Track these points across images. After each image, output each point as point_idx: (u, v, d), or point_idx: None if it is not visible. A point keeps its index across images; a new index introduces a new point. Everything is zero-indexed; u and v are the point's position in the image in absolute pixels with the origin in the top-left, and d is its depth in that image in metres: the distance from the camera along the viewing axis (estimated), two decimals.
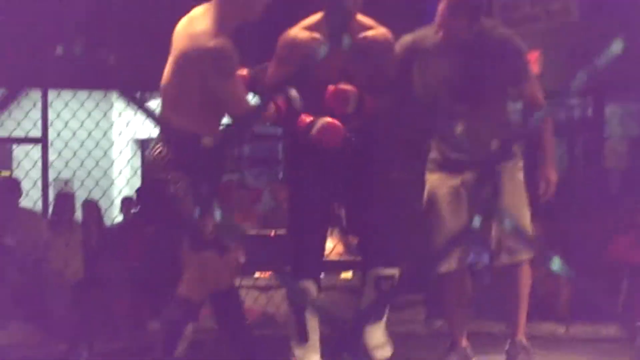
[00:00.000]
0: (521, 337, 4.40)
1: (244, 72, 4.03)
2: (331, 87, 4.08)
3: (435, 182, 4.42)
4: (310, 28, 4.20)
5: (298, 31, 4.21)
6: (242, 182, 9.01)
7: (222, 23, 3.73)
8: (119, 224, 8.57)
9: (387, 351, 4.19)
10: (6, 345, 6.28)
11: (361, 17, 4.23)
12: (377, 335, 4.16)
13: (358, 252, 4.76)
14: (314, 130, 3.99)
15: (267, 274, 7.48)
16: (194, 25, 3.77)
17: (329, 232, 5.03)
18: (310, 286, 4.09)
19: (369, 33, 4.22)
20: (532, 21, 8.04)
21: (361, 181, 4.21)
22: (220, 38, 3.67)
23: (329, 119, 4.05)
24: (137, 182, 9.09)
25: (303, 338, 4.14)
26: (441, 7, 4.32)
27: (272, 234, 7.74)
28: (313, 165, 4.10)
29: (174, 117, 3.81)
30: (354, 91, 4.11)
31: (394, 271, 4.20)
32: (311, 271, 4.17)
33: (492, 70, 4.32)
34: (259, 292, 7.38)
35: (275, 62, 4.22)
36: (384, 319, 4.23)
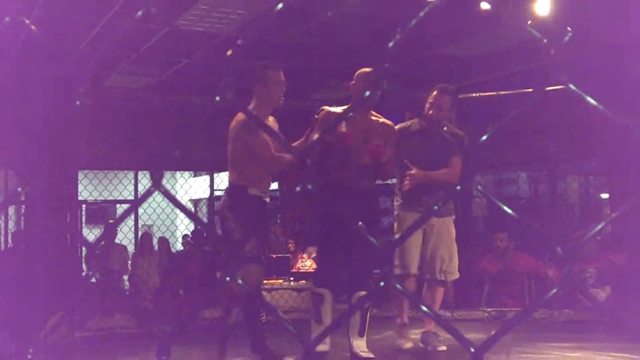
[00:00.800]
0: (432, 327, 4.56)
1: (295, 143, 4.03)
2: (372, 144, 4.06)
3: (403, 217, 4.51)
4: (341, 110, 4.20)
5: (334, 110, 4.20)
6: None
7: (256, 111, 3.86)
8: (180, 252, 9.23)
9: (370, 355, 4.13)
10: (113, 327, 6.84)
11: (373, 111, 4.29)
12: (363, 345, 4.15)
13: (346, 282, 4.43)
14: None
15: (271, 280, 8.09)
16: (238, 116, 3.90)
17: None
18: (325, 292, 4.12)
19: (382, 119, 4.30)
20: None
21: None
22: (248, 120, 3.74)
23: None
24: (191, 227, 9.81)
25: (319, 320, 4.19)
26: (427, 109, 4.51)
27: (274, 256, 8.16)
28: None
29: (231, 175, 3.93)
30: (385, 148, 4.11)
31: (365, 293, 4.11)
32: (325, 284, 4.18)
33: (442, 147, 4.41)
34: (266, 292, 7.97)
35: (317, 129, 4.12)
36: (365, 335, 4.18)
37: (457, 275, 4.62)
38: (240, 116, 3.81)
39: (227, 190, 3.97)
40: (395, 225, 4.70)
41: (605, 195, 8.73)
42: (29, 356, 0.99)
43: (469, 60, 7.94)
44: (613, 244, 7.48)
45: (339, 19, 6.65)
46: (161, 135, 8.28)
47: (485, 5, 6.53)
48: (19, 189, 4.90)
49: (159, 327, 6.88)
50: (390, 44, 1.00)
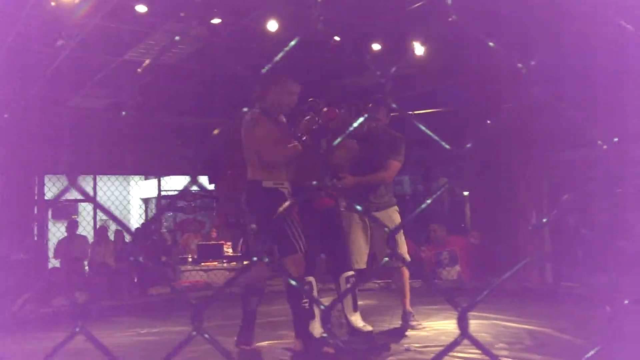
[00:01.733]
0: (408, 307, 4.17)
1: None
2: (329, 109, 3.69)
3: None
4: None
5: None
6: (195, 218, 9.67)
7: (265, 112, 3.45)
8: (130, 242, 9.23)
9: (369, 327, 3.76)
10: (72, 303, 6.55)
11: None
12: (358, 319, 3.76)
13: (329, 266, 4.09)
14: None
15: (207, 262, 8.25)
16: (246, 116, 3.41)
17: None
18: (312, 280, 3.64)
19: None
20: None
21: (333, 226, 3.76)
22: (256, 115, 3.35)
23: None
24: (141, 221, 10.16)
25: (317, 303, 3.43)
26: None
27: (211, 243, 8.54)
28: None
29: (248, 171, 3.41)
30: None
31: (353, 272, 3.84)
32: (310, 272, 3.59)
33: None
34: (204, 272, 8.25)
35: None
36: (358, 310, 3.80)
37: (406, 259, 4.14)
38: (248, 115, 3.36)
39: (245, 187, 3.45)
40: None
41: (466, 193, 9.10)
42: None
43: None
44: (472, 227, 8.06)
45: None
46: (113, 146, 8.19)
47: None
48: None
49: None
50: (264, 70, 0.92)
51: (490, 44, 0.98)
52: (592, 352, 0.75)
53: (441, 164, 9.02)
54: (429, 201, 0.96)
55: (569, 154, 6.61)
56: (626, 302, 0.80)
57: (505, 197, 7.37)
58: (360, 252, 4.05)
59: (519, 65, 0.86)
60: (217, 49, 6.65)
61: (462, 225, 8.91)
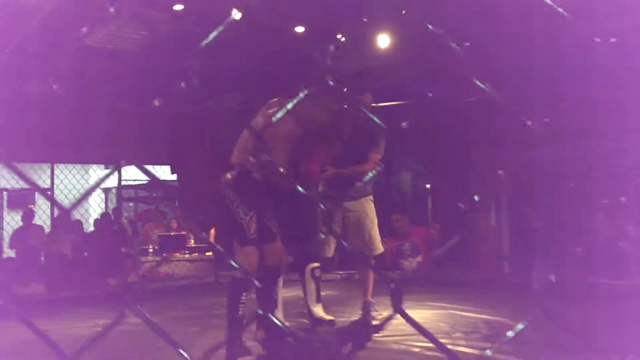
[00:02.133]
0: (370, 297, 4.11)
1: None
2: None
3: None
4: None
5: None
6: (157, 208, 9.57)
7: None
8: (92, 232, 8.88)
9: (331, 317, 3.81)
10: (30, 294, 6.65)
11: None
12: (320, 310, 3.78)
13: (295, 258, 3.78)
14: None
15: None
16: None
17: None
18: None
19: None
20: None
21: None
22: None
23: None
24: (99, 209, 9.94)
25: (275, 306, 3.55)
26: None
27: (172, 234, 8.57)
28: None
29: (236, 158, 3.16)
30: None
31: (318, 264, 3.83)
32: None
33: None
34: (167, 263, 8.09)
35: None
36: (321, 301, 3.81)
37: (379, 249, 4.09)
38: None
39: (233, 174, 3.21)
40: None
41: (428, 186, 9.26)
42: None
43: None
44: (434, 219, 8.21)
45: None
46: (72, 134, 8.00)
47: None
48: None
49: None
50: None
51: (454, 45, 1.01)
52: (519, 327, 0.79)
53: (401, 157, 9.08)
54: None
55: (532, 152, 6.75)
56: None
57: (466, 191, 7.47)
58: (329, 240, 3.94)
59: (452, 44, 0.89)
60: (179, 37, 6.51)
61: (425, 217, 9.01)
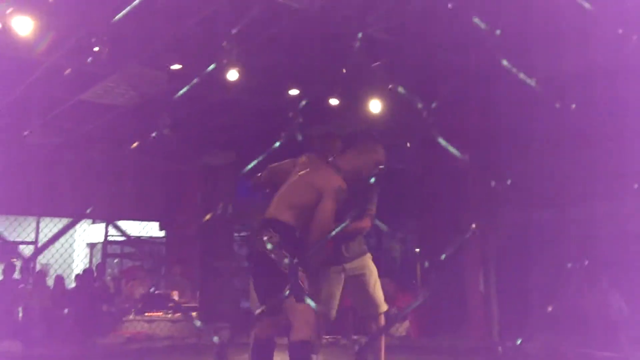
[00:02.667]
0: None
1: None
2: None
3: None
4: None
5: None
6: (141, 265, 9.21)
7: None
8: (73, 288, 8.79)
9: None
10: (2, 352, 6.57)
11: None
12: None
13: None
14: None
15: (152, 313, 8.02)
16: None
17: None
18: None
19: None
20: None
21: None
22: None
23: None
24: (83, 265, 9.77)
25: None
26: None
27: (157, 292, 7.57)
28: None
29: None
30: None
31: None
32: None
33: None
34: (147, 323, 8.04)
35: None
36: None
37: (385, 307, 3.85)
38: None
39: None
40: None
41: (418, 250, 9.20)
42: None
43: None
44: (422, 284, 8.09)
45: None
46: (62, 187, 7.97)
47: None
48: None
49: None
50: None
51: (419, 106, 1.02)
52: None
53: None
54: None
55: (521, 215, 6.78)
56: None
57: (455, 257, 7.49)
58: (329, 302, 3.67)
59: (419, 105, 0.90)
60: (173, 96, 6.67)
61: (414, 281, 8.93)
